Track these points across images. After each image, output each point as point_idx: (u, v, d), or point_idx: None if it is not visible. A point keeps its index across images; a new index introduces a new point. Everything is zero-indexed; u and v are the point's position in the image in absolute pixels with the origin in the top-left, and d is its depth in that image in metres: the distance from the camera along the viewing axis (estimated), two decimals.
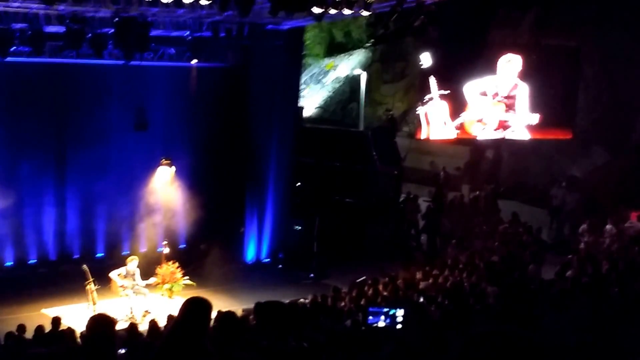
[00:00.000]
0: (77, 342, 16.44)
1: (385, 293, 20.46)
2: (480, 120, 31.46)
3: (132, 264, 23.48)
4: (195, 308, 6.63)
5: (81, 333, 17.40)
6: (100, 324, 6.94)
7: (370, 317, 16.16)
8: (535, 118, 31.61)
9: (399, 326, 15.97)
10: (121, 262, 23.88)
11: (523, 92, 31.43)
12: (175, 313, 18.30)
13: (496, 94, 31.42)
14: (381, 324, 15.93)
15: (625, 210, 27.90)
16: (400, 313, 15.98)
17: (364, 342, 13.82)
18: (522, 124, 31.63)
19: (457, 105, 31.35)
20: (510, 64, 31.44)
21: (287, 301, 18.57)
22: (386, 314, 16.04)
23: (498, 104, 31.49)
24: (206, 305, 6.64)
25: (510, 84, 31.49)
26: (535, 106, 31.51)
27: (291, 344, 6.91)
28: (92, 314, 21.59)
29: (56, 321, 18.40)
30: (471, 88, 31.18)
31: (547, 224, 30.60)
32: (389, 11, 23.27)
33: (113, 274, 23.21)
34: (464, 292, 19.29)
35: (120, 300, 22.97)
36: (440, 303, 18.04)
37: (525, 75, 31.56)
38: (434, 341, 11.90)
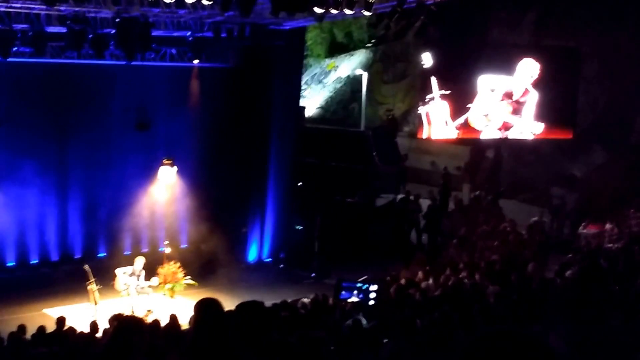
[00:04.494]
0: (78, 342, 16.46)
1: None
2: (486, 115, 31.52)
3: (139, 263, 23.58)
4: (209, 310, 6.66)
5: (105, 330, 17.34)
6: (128, 325, 6.99)
7: (343, 292, 16.10)
8: (539, 127, 31.66)
9: (371, 302, 15.95)
10: (123, 262, 23.94)
11: (532, 99, 31.49)
12: (177, 312, 18.30)
13: (506, 95, 31.48)
14: (354, 299, 15.88)
15: (626, 210, 27.94)
16: (373, 288, 15.92)
17: (365, 341, 13.85)
18: (526, 129, 31.69)
19: (458, 105, 31.42)
20: (528, 69, 31.47)
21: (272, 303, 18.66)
22: (359, 290, 15.96)
23: (507, 106, 31.55)
24: (219, 305, 6.67)
25: (522, 89, 31.54)
26: (538, 109, 31.56)
27: (290, 342, 6.94)
28: (94, 314, 21.70)
29: (61, 321, 18.38)
30: (483, 82, 31.24)
31: (547, 224, 30.61)
32: (389, 11, 23.30)
33: (118, 271, 23.28)
34: (464, 292, 19.31)
35: (122, 300, 23.03)
36: (441, 302, 18.06)
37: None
38: (435, 341, 11.94)
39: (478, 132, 32.26)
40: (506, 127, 31.83)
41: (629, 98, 33.44)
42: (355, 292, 16.00)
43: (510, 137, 32.44)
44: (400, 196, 33.35)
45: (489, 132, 32.00)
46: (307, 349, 9.08)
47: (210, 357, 6.41)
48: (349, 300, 16.02)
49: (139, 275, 23.46)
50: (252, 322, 6.53)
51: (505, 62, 31.69)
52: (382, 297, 16.79)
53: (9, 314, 22.39)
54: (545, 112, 31.74)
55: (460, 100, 31.43)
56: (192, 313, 6.98)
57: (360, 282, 22.46)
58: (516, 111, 31.63)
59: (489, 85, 31.40)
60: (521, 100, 31.60)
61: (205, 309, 6.63)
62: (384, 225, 31.54)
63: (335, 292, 17.66)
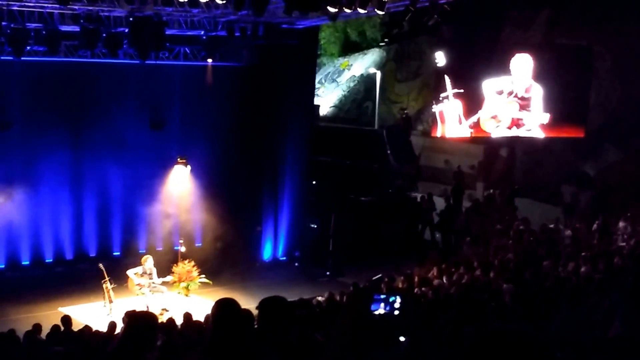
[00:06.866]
0: (94, 340, 16.52)
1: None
2: (494, 117, 31.56)
3: (148, 262, 23.64)
4: (227, 310, 6.68)
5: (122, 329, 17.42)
6: (142, 319, 7.02)
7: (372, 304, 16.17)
8: (545, 117, 31.68)
9: (396, 312, 16.01)
10: (137, 261, 24.03)
11: (537, 93, 31.50)
12: (192, 311, 18.33)
13: (511, 93, 31.51)
14: (380, 311, 15.97)
15: (638, 208, 27.87)
16: (398, 300, 16.01)
17: (380, 338, 13.86)
18: (535, 123, 31.70)
19: (471, 103, 31.47)
20: (523, 64, 31.51)
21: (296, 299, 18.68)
22: (385, 301, 16.07)
23: (512, 103, 31.56)
24: (237, 305, 6.69)
25: (525, 85, 31.56)
26: (548, 105, 31.59)
27: (304, 338, 6.96)
28: (109, 312, 21.82)
29: (66, 320, 18.28)
30: (489, 86, 31.31)
31: (561, 222, 30.57)
32: (403, 10, 23.32)
33: (130, 272, 23.37)
34: (478, 290, 19.30)
35: (136, 299, 23.10)
36: (455, 300, 18.06)
37: (538, 74, 31.64)
38: (448, 338, 11.96)
39: (489, 133, 32.30)
40: (516, 124, 31.84)
41: None
42: (382, 303, 16.11)
43: (521, 135, 32.45)
44: (419, 195, 33.45)
45: (499, 132, 32.03)
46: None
47: (228, 357, 6.44)
48: (376, 312, 16.12)
49: (150, 274, 23.54)
50: (275, 317, 6.58)
51: (503, 61, 31.75)
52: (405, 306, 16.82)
53: (25, 313, 22.48)
54: (556, 109, 31.74)
55: (473, 98, 31.47)
56: (208, 312, 7.00)
57: (375, 279, 22.55)
58: (523, 107, 31.67)
59: (495, 88, 31.47)
60: (526, 96, 31.63)
61: (224, 309, 6.65)
62: (397, 224, 31.56)
63: (367, 304, 17.69)
